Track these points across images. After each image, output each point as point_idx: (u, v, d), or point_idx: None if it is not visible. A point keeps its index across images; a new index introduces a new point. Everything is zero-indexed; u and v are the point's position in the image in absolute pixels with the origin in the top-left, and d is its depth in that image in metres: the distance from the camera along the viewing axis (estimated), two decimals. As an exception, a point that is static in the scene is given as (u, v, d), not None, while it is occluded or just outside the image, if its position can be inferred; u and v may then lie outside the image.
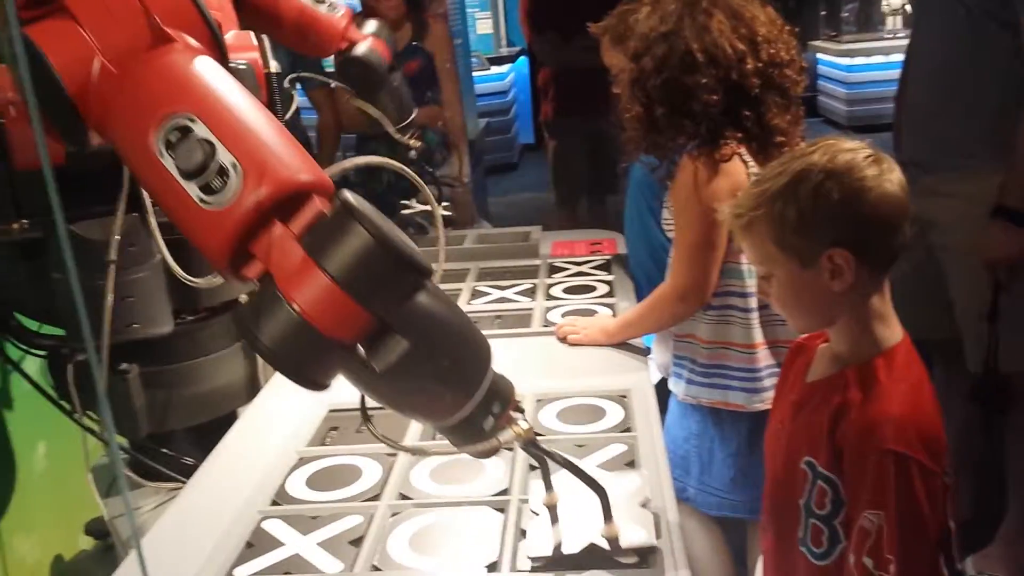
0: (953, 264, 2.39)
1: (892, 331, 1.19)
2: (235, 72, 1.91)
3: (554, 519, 1.14)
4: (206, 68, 0.94)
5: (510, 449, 1.12)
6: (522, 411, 1.05)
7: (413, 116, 2.31)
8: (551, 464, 1.11)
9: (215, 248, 0.89)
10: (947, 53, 2.33)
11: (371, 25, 2.20)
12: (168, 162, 0.88)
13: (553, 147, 4.35)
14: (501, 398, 1.00)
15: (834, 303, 1.16)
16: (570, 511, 1.15)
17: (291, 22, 2.12)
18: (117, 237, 1.45)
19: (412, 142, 2.31)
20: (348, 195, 0.87)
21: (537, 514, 1.19)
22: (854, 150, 1.14)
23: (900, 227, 1.16)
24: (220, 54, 0.99)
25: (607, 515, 1.11)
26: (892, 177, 1.15)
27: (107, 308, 1.45)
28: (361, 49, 2.16)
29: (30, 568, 1.90)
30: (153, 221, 1.39)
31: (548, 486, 1.14)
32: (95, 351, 1.22)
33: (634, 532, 1.15)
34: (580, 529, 1.15)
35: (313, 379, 0.90)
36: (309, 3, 2.13)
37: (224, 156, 0.87)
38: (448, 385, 0.95)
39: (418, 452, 1.32)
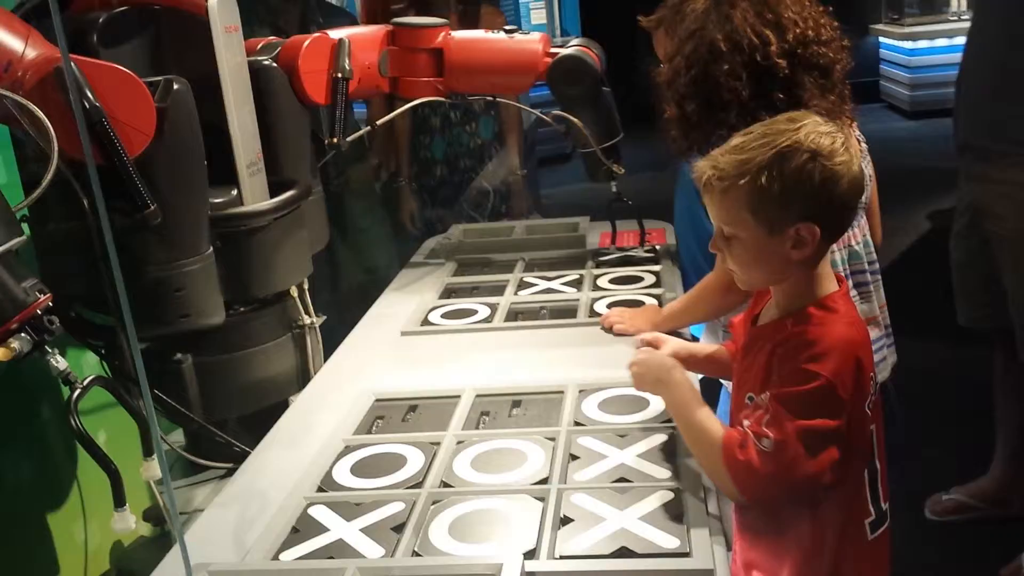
0: (1006, 253, 2.33)
1: (828, 285, 1.29)
2: (262, 68, 1.95)
3: None
4: None
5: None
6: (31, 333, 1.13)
7: (619, 139, 2.23)
8: None
9: None
10: (1006, 37, 2.27)
11: (578, 39, 2.18)
12: None
13: None
14: None
15: (788, 267, 1.26)
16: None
17: (488, 66, 2.12)
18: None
19: (616, 168, 2.23)
20: None
21: None
22: (832, 134, 1.22)
23: (857, 206, 1.31)
24: None
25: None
26: (858, 161, 1.24)
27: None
28: (571, 48, 2.11)
29: (91, 554, 1.96)
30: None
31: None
32: (127, 334, 1.27)
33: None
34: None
35: None
36: (501, 39, 2.12)
37: None
38: None
39: None
